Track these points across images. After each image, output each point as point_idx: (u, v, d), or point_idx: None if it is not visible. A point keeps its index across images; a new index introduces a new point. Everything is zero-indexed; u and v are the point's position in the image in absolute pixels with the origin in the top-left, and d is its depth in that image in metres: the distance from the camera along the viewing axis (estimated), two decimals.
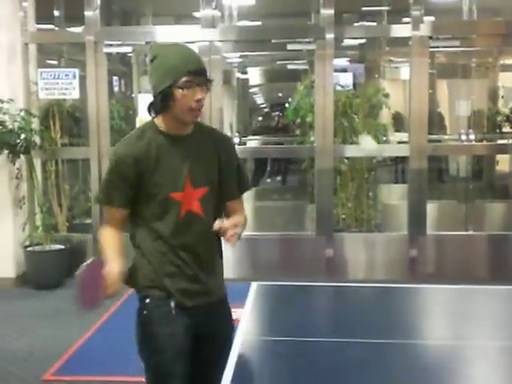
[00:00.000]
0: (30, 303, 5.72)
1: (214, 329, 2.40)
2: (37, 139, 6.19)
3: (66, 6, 7.28)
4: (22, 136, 5.90)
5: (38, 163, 6.40)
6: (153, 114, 2.33)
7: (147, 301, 2.36)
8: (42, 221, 6.20)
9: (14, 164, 6.06)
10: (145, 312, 2.37)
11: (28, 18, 6.35)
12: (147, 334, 2.36)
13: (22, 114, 6.02)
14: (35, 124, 6.25)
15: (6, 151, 5.90)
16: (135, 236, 2.41)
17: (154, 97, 2.28)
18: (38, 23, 6.53)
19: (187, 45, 2.36)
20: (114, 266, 2.34)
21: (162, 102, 2.25)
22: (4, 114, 5.87)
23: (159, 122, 2.34)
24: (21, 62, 6.27)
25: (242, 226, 2.43)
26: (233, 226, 2.31)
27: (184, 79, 2.21)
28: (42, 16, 6.72)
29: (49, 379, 4.10)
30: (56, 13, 7.28)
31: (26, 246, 6.16)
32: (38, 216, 6.32)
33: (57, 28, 7.25)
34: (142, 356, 2.39)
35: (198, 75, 2.24)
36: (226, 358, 2.39)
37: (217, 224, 2.29)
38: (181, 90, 2.22)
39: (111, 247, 2.39)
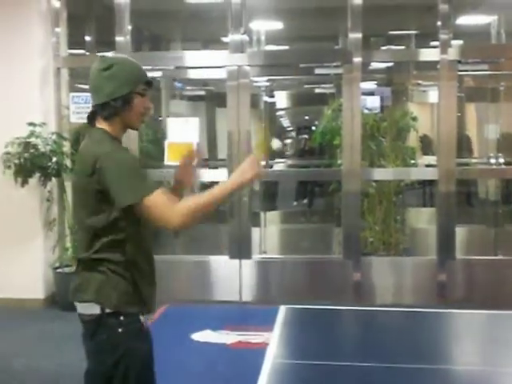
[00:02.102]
0: (59, 325, 5.76)
1: None
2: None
3: (97, 32, 7.41)
4: (54, 159, 5.99)
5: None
6: (101, 120, 2.39)
7: (121, 318, 2.33)
8: (72, 243, 6.26)
9: (46, 187, 6.15)
10: (120, 330, 2.33)
11: (60, 43, 6.48)
12: (125, 351, 2.33)
13: (54, 137, 6.13)
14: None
15: (37, 174, 6.00)
16: (112, 250, 2.34)
17: (108, 103, 2.35)
18: (69, 48, 6.65)
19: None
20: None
21: (121, 107, 2.36)
22: (36, 137, 5.97)
23: (109, 128, 2.40)
24: (53, 87, 6.40)
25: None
26: None
27: (142, 87, 2.40)
28: (74, 41, 6.85)
29: None
30: (87, 38, 7.41)
31: (56, 268, 6.23)
32: (67, 238, 6.39)
33: (88, 53, 7.39)
34: (116, 375, 2.34)
35: (150, 85, 2.44)
36: None
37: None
38: (139, 97, 2.39)
39: (205, 193, 2.28)
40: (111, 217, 2.30)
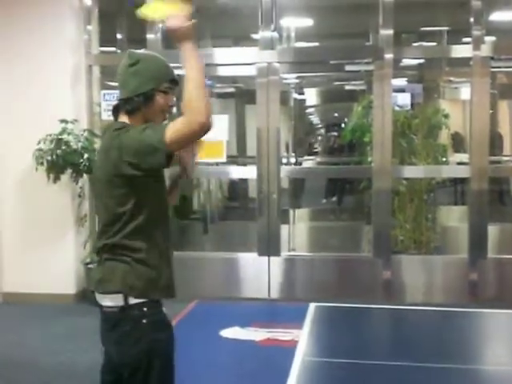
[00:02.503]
0: (89, 320, 5.76)
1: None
2: None
3: (128, 29, 7.46)
4: (85, 156, 6.05)
5: None
6: (123, 114, 2.42)
7: (145, 309, 2.35)
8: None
9: (77, 183, 6.22)
10: (144, 321, 2.34)
11: (92, 40, 6.54)
12: (149, 342, 2.34)
13: (86, 134, 6.18)
14: (98, 144, 6.40)
15: (69, 170, 6.06)
16: (135, 236, 2.35)
17: (131, 98, 2.39)
18: (101, 46, 6.71)
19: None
20: None
21: (143, 103, 2.39)
22: (68, 134, 6.04)
23: (131, 122, 2.42)
24: (85, 84, 6.46)
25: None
26: None
27: (166, 85, 2.42)
28: (106, 39, 6.90)
29: None
30: (119, 36, 7.47)
31: (87, 263, 6.29)
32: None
33: (119, 51, 7.44)
34: (140, 366, 2.34)
35: (176, 84, 2.45)
36: None
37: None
38: (161, 94, 2.41)
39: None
40: (133, 202, 2.33)
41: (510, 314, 3.50)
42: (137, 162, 2.26)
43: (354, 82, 9.08)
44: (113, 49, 7.44)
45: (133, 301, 2.34)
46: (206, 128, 2.21)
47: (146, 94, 2.39)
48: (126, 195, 2.33)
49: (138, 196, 2.34)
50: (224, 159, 6.31)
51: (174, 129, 2.22)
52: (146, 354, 2.33)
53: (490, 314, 3.58)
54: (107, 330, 2.42)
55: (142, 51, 2.58)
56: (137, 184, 2.32)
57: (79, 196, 6.30)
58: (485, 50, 6.03)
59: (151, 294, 2.36)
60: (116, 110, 2.48)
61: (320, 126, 12.77)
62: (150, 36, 6.41)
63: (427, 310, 3.70)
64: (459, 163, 7.05)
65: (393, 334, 3.18)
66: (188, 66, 2.25)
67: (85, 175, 6.20)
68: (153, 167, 2.28)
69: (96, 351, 5.00)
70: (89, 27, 6.49)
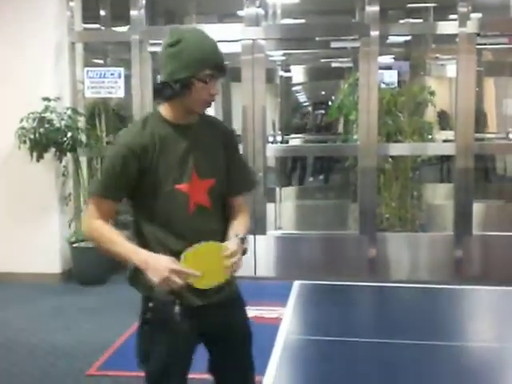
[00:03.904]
0: (75, 299, 5.81)
1: (227, 328, 2.33)
2: (83, 137, 6.28)
3: (111, 6, 7.35)
4: (69, 134, 6.00)
5: (83, 161, 6.50)
6: (160, 100, 2.24)
7: (150, 304, 2.26)
8: None
9: (61, 162, 6.17)
10: (147, 315, 2.27)
11: (74, 17, 6.46)
12: (148, 337, 2.27)
13: (69, 112, 6.12)
14: (81, 122, 6.35)
15: (52, 149, 6.01)
16: (140, 233, 2.29)
17: (167, 83, 2.17)
18: (84, 23, 6.63)
19: (209, 34, 2.24)
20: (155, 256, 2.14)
21: (179, 90, 2.16)
22: (51, 112, 5.97)
23: (164, 109, 2.25)
24: (67, 61, 6.38)
25: (247, 231, 2.34)
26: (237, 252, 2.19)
27: (207, 72, 2.15)
28: (89, 16, 6.81)
29: (93, 374, 4.15)
30: (102, 12, 7.36)
31: (72, 243, 6.26)
32: (83, 213, 6.41)
33: (103, 27, 7.35)
34: (140, 358, 2.31)
35: (220, 70, 2.18)
36: (248, 356, 2.34)
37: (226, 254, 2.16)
38: (201, 82, 2.15)
39: (124, 239, 2.22)
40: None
41: (495, 290, 3.52)
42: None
43: (340, 60, 9.02)
44: (96, 25, 7.34)
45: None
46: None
47: (184, 80, 2.13)
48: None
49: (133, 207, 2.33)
50: None
51: (89, 205, 2.26)
52: (148, 349, 2.26)
53: (475, 291, 3.60)
54: None
55: (187, 28, 2.32)
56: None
57: (63, 175, 6.25)
58: (471, 27, 6.00)
59: (156, 294, 2.21)
60: (156, 93, 2.26)
61: (307, 103, 12.71)
62: (133, 13, 6.33)
63: (412, 287, 3.72)
64: (445, 141, 7.04)
65: (378, 311, 3.19)
66: (123, 252, 2.19)
67: (69, 154, 6.16)
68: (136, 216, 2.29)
69: (80, 330, 5.02)
70: (71, 4, 6.40)
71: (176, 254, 2.14)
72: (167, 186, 2.20)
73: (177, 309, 2.20)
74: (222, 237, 2.26)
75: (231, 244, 2.18)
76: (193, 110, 2.23)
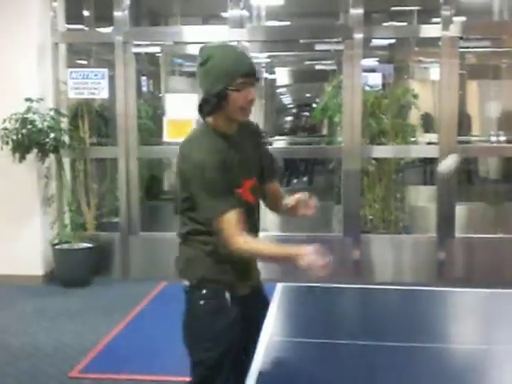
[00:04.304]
0: (58, 300, 5.77)
1: (257, 312, 2.58)
2: (66, 138, 6.25)
3: (95, 7, 7.33)
4: (52, 135, 5.96)
5: (66, 162, 6.46)
6: (204, 114, 2.41)
7: (204, 291, 2.43)
8: (71, 219, 6.25)
9: (44, 163, 6.12)
10: (201, 302, 2.44)
11: (58, 17, 6.41)
12: (204, 324, 2.43)
13: (52, 113, 6.08)
14: (64, 123, 6.31)
15: (35, 150, 5.97)
16: (196, 230, 2.44)
17: (207, 98, 2.35)
18: (67, 23, 6.59)
19: (237, 46, 2.42)
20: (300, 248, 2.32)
21: (218, 103, 2.33)
22: (34, 113, 5.93)
23: (214, 122, 2.41)
24: (50, 62, 6.34)
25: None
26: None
27: (239, 81, 2.30)
28: (72, 16, 6.78)
29: (76, 376, 4.13)
30: (86, 13, 7.34)
31: (55, 244, 6.22)
32: (66, 214, 6.38)
33: (86, 28, 7.32)
34: (194, 347, 2.47)
35: (251, 76, 2.34)
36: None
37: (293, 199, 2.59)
38: (236, 92, 2.31)
39: (272, 245, 2.50)
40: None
41: (478, 292, 3.54)
42: (191, 195, 2.37)
43: (325, 62, 9.06)
44: (80, 26, 7.31)
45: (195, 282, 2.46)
46: (230, 250, 2.35)
47: (219, 93, 2.31)
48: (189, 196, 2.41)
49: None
50: None
51: (228, 225, 2.31)
52: (201, 337, 2.43)
53: (458, 293, 3.61)
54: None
55: (214, 45, 2.47)
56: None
57: (46, 176, 6.21)
58: (454, 30, 6.04)
59: (211, 282, 2.44)
60: (200, 109, 2.42)
61: (291, 105, 12.73)
62: (117, 13, 6.31)
63: (395, 289, 3.73)
64: (429, 143, 7.08)
65: (361, 313, 3.19)
66: (277, 253, 2.42)
67: (51, 155, 6.12)
68: (196, 217, 2.41)
69: (63, 332, 4.99)
70: (54, 4, 6.36)
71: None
72: (232, 193, 2.39)
73: (227, 295, 2.43)
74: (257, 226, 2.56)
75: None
76: (235, 118, 2.40)
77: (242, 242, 2.33)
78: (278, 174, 2.74)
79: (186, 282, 2.48)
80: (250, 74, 2.33)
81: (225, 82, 2.30)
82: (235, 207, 2.33)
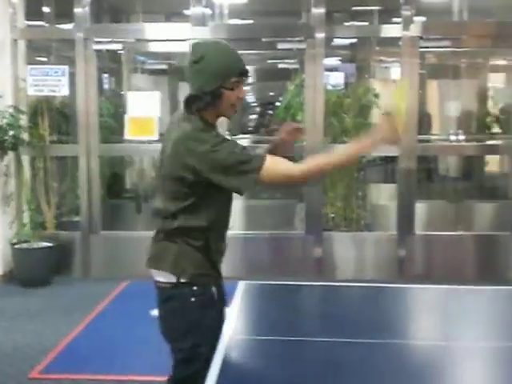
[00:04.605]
0: (17, 300, 5.69)
1: (224, 304, 2.65)
2: (25, 136, 6.15)
3: (55, 3, 7.25)
4: (11, 133, 5.87)
5: (26, 160, 6.37)
6: (193, 110, 2.41)
7: (195, 288, 2.45)
8: (30, 218, 6.16)
9: (2, 161, 6.03)
10: (192, 299, 2.44)
11: (17, 14, 6.31)
12: (194, 320, 2.45)
13: (11, 110, 5.99)
14: (24, 121, 6.21)
15: None
16: (189, 227, 2.44)
17: (199, 95, 2.37)
18: (27, 19, 6.49)
19: (228, 43, 2.46)
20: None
21: (211, 101, 2.37)
22: None
23: (206, 116, 2.42)
24: (10, 59, 6.23)
25: None
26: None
27: (233, 80, 2.37)
28: (32, 12, 6.68)
29: (36, 377, 4.08)
30: (46, 9, 7.24)
31: (14, 244, 6.13)
32: (25, 213, 6.28)
33: (46, 24, 7.21)
34: (181, 344, 2.47)
35: (244, 75, 2.41)
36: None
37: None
38: (230, 90, 2.37)
39: (329, 154, 2.52)
40: (188, 184, 2.39)
41: (437, 288, 3.59)
42: (214, 177, 2.33)
43: (287, 61, 9.09)
44: (40, 22, 7.21)
45: (184, 280, 2.45)
46: (300, 183, 2.41)
47: (214, 91, 2.36)
48: (186, 194, 2.40)
49: (198, 198, 2.41)
50: (156, 137, 6.21)
51: (275, 168, 2.33)
52: (193, 332, 2.44)
53: (418, 290, 3.66)
54: (159, 304, 2.54)
55: (207, 42, 2.53)
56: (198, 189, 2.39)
57: (5, 174, 6.11)
58: (414, 30, 6.11)
59: (200, 278, 2.46)
60: (187, 103, 2.43)
61: (255, 104, 12.74)
62: (78, 10, 6.23)
63: (357, 286, 3.76)
64: None
65: (324, 310, 3.21)
66: (345, 155, 2.49)
67: (10, 153, 6.02)
68: (233, 189, 2.39)
69: (22, 332, 4.91)
70: (14, 0, 6.25)
71: (215, 243, 2.48)
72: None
73: (213, 289, 2.49)
74: None
75: None
76: (225, 115, 2.47)
77: (302, 166, 2.40)
78: None
79: (172, 279, 2.44)
80: (243, 73, 2.41)
81: (220, 80, 2.35)
82: (265, 156, 2.37)
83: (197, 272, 2.46)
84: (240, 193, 2.39)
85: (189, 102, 2.42)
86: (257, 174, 2.32)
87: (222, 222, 2.57)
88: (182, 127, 2.42)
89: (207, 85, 2.36)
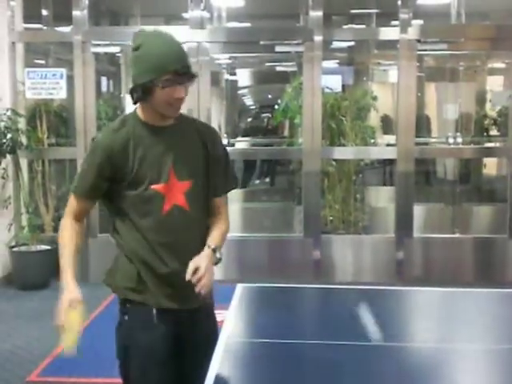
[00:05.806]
0: (16, 303, 5.68)
1: (198, 337, 2.35)
2: (23, 139, 6.15)
3: (54, 6, 7.23)
4: (9, 136, 5.87)
5: (24, 163, 6.36)
6: (133, 103, 2.26)
7: (128, 305, 2.30)
8: (28, 221, 6.16)
9: (0, 164, 6.02)
10: (126, 317, 2.31)
11: (15, 17, 6.31)
12: (127, 339, 2.31)
13: (9, 113, 5.99)
14: (22, 124, 6.21)
15: None
16: (117, 233, 2.30)
17: (133, 88, 2.19)
18: (25, 22, 6.49)
19: (174, 37, 2.25)
20: (71, 289, 2.27)
21: (142, 96, 2.18)
22: None
23: (140, 111, 2.27)
24: (8, 62, 6.23)
25: (223, 240, 2.42)
26: (205, 270, 2.20)
27: (165, 77, 2.12)
28: (30, 15, 6.68)
29: (34, 380, 4.07)
30: (44, 12, 7.23)
31: (12, 247, 6.12)
32: (23, 216, 6.27)
33: (45, 27, 7.21)
34: (120, 360, 2.36)
35: (181, 75, 2.15)
36: (208, 363, 2.29)
37: (189, 273, 2.15)
38: (161, 88, 2.13)
39: (70, 254, 2.33)
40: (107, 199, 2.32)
41: (435, 291, 3.59)
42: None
43: (285, 64, 9.08)
44: (38, 25, 7.21)
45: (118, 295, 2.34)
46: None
47: (144, 85, 2.13)
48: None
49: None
50: None
51: (68, 203, 2.34)
52: (124, 351, 2.30)
53: (416, 292, 3.66)
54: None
55: (151, 32, 2.25)
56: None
57: (3, 177, 6.11)
58: (412, 33, 6.13)
59: (130, 293, 2.29)
60: (131, 96, 2.26)
61: (253, 107, 12.74)
62: (76, 13, 6.24)
63: (355, 288, 3.76)
64: (388, 145, 7.16)
65: (322, 313, 3.21)
66: (62, 264, 2.37)
67: (8, 156, 6.02)
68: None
69: (21, 336, 4.91)
70: (12, 3, 6.27)
71: (146, 254, 2.23)
72: (143, 186, 2.21)
73: (154, 311, 2.25)
74: (202, 241, 2.31)
75: (197, 260, 2.20)
76: (162, 113, 2.22)
77: (63, 224, 2.32)
78: (227, 188, 2.47)
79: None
80: (179, 73, 2.14)
81: (151, 75, 2.12)
82: (84, 197, 2.29)
83: (127, 286, 2.27)
84: None
85: (130, 93, 2.23)
86: (73, 194, 2.32)
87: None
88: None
89: (139, 77, 2.14)
